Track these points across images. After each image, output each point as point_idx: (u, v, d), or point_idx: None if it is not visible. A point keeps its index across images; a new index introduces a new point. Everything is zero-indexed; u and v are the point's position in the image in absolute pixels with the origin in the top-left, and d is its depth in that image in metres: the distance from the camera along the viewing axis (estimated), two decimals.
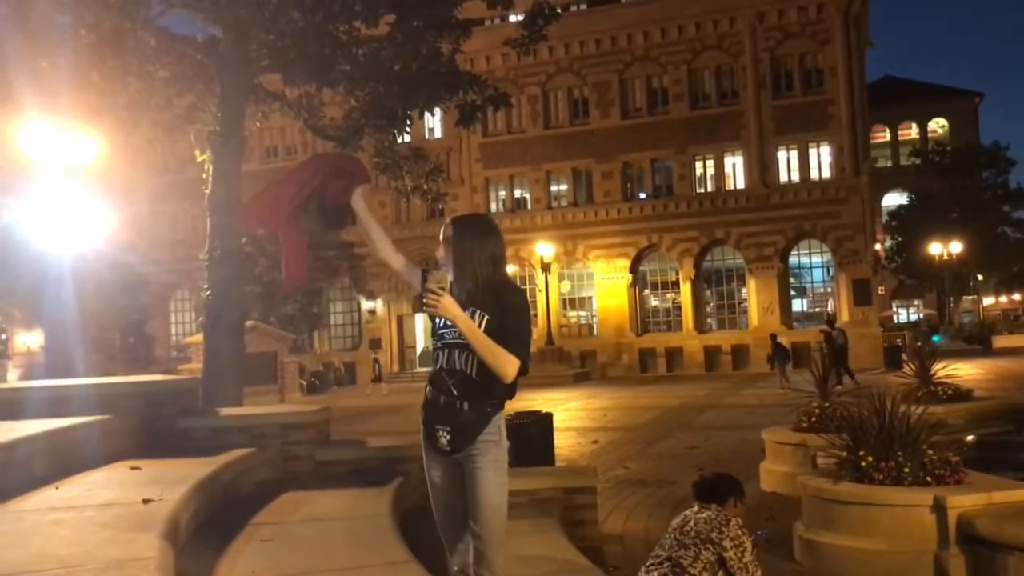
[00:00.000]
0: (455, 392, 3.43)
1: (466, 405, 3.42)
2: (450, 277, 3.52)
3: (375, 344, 40.05)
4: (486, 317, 3.44)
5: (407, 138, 16.06)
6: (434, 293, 3.35)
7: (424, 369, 34.97)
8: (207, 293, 12.07)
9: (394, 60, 12.56)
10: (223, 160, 12.01)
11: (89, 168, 12.71)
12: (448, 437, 3.42)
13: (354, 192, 3.77)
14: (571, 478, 6.86)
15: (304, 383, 32.67)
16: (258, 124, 16.07)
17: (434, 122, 38.76)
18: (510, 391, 3.48)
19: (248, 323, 19.68)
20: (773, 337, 27.54)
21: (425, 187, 14.68)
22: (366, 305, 41.42)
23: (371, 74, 12.57)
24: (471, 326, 3.38)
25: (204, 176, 12.36)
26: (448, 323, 3.43)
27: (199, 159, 12.80)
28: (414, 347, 41.38)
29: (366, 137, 13.73)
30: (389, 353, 40.09)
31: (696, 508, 4.69)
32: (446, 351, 3.47)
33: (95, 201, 13.45)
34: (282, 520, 4.96)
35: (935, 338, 42.86)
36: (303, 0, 11.57)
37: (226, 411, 7.73)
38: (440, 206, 16.32)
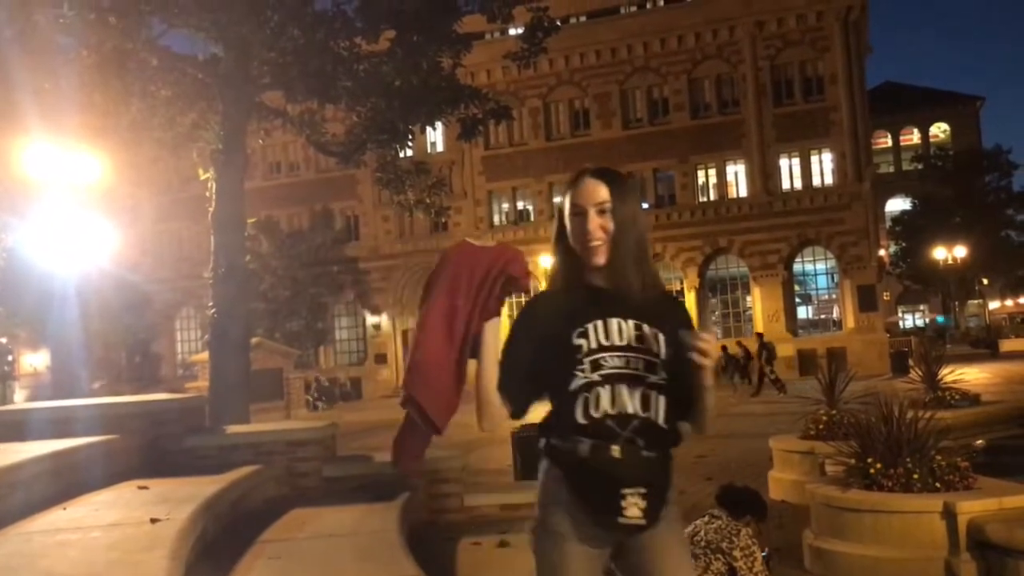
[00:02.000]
0: (639, 441, 2.36)
1: (653, 455, 2.38)
2: (601, 261, 2.41)
3: (380, 359, 40.01)
4: (661, 336, 2.42)
5: (409, 152, 16.09)
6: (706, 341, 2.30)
7: None
8: (212, 311, 12.08)
9: (395, 75, 12.59)
10: (226, 178, 12.04)
11: (93, 188, 12.78)
12: (644, 503, 2.33)
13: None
14: None
15: (310, 399, 32.65)
16: (261, 141, 16.11)
17: (436, 136, 38.84)
18: None
19: (253, 340, 19.68)
20: (724, 349, 27.51)
21: (428, 201, 14.68)
22: (371, 320, 41.41)
23: (372, 90, 12.61)
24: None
25: (207, 194, 12.38)
26: (608, 343, 2.39)
27: (202, 177, 12.83)
28: None
29: (368, 152, 13.76)
30: (394, 368, 40.04)
31: (706, 518, 4.67)
32: (608, 387, 2.38)
33: (99, 221, 13.51)
34: (290, 537, 4.95)
35: (940, 319, 42.84)
36: (304, 18, 11.61)
37: (233, 428, 7.72)
38: (443, 220, 16.22)
